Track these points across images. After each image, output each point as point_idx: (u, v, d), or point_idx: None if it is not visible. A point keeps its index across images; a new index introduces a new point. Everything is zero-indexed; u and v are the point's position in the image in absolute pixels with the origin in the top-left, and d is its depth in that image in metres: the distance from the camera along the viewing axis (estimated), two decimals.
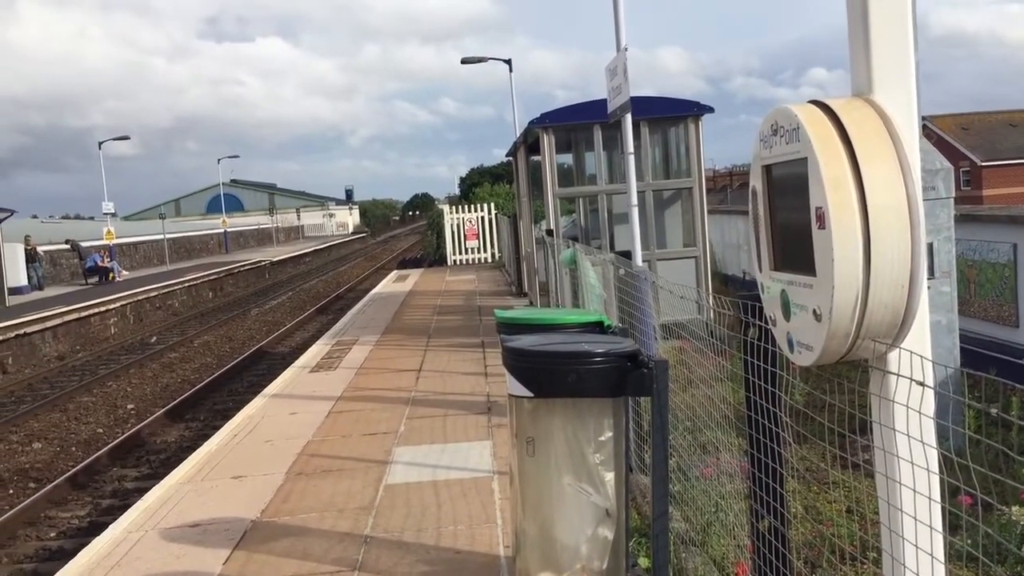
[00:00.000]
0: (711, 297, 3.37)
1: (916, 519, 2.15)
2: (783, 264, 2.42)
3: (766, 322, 2.60)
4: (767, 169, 2.47)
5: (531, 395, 3.39)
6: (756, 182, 2.53)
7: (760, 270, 2.57)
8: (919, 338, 2.22)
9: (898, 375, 2.13)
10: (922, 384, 2.07)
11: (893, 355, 2.21)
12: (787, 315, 2.39)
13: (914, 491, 2.15)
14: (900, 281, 2.09)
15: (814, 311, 2.19)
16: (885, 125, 2.18)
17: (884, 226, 2.07)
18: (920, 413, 2.09)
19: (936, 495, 2.19)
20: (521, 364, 3.40)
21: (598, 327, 4.12)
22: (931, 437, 2.16)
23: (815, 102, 2.29)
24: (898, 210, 2.08)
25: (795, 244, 2.29)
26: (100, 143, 41.28)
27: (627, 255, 6.16)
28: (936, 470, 2.18)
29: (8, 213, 26.09)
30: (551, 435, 3.43)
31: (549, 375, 3.34)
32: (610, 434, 3.46)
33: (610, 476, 3.47)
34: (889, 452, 2.25)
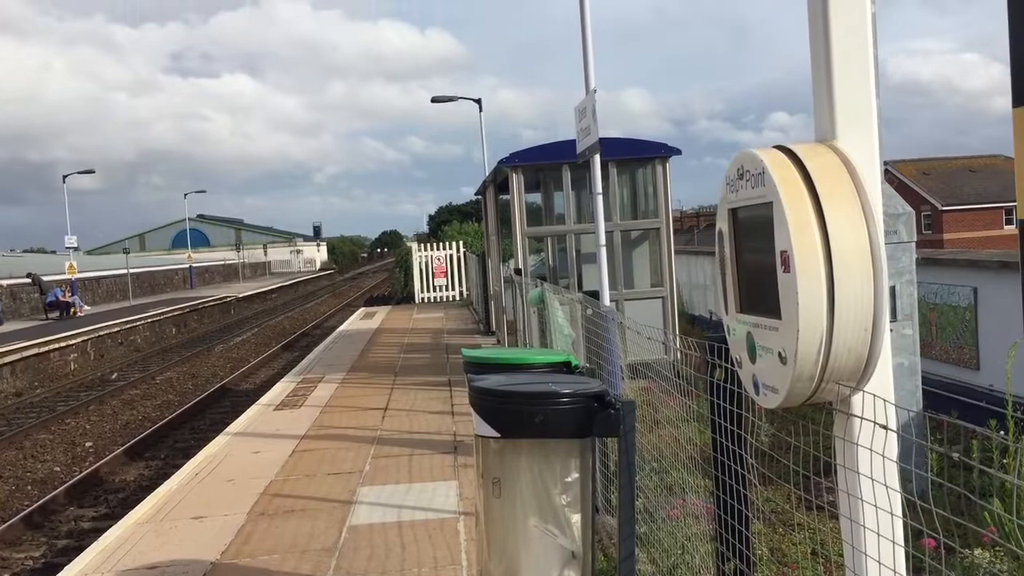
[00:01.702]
0: (678, 338, 3.38)
1: (880, 563, 2.16)
2: (749, 306, 2.44)
3: (732, 364, 2.62)
4: (733, 212, 2.50)
5: (497, 435, 3.36)
6: (723, 224, 2.56)
7: (726, 312, 2.59)
8: (882, 381, 2.24)
9: (862, 418, 2.14)
10: (885, 427, 2.09)
11: (857, 398, 2.23)
12: (753, 357, 2.40)
13: (878, 534, 2.16)
14: (864, 324, 2.11)
15: (779, 354, 2.21)
16: (848, 170, 2.21)
17: (848, 270, 2.10)
18: (884, 456, 2.10)
19: (900, 539, 2.20)
20: (488, 404, 3.38)
21: (566, 367, 4.12)
22: (895, 480, 2.17)
23: (780, 147, 2.33)
24: (861, 254, 2.11)
25: (761, 287, 2.31)
26: (64, 176, 40.83)
27: (595, 295, 6.17)
28: (900, 513, 2.18)
29: None
30: (517, 476, 3.41)
31: (516, 415, 3.32)
32: (577, 475, 3.44)
33: (576, 518, 3.44)
34: (853, 495, 2.26)
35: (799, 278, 2.09)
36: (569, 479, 3.44)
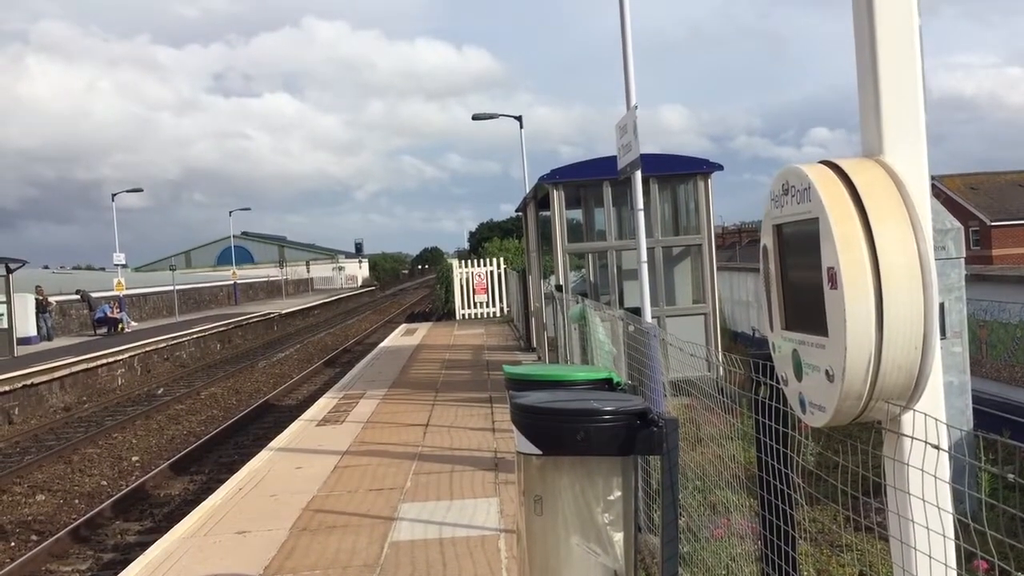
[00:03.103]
0: (721, 355, 3.34)
1: None
2: (794, 323, 2.40)
3: (778, 382, 2.58)
4: (778, 228, 2.47)
5: (539, 452, 3.35)
6: (767, 240, 2.53)
7: (771, 329, 2.55)
8: (933, 400, 2.19)
9: (913, 438, 2.10)
10: (937, 447, 2.04)
11: (907, 417, 2.19)
12: (799, 375, 2.37)
13: (930, 557, 2.11)
14: (914, 342, 2.07)
15: (826, 372, 2.17)
16: (896, 185, 2.18)
17: (896, 286, 2.06)
18: (936, 477, 2.06)
19: (952, 561, 2.15)
20: (529, 421, 3.37)
21: (607, 384, 4.09)
22: (947, 502, 2.12)
23: (826, 162, 2.30)
24: (910, 270, 2.08)
25: (806, 303, 2.28)
26: (113, 195, 41.68)
27: (636, 311, 6.13)
28: (952, 535, 2.13)
29: (20, 263, 26.25)
30: (559, 493, 3.38)
31: (557, 433, 3.30)
32: (619, 493, 3.41)
33: (619, 536, 3.41)
34: (904, 517, 2.21)
35: (847, 295, 2.05)
36: (611, 497, 3.41)
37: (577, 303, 8.55)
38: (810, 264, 2.23)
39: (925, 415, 2.13)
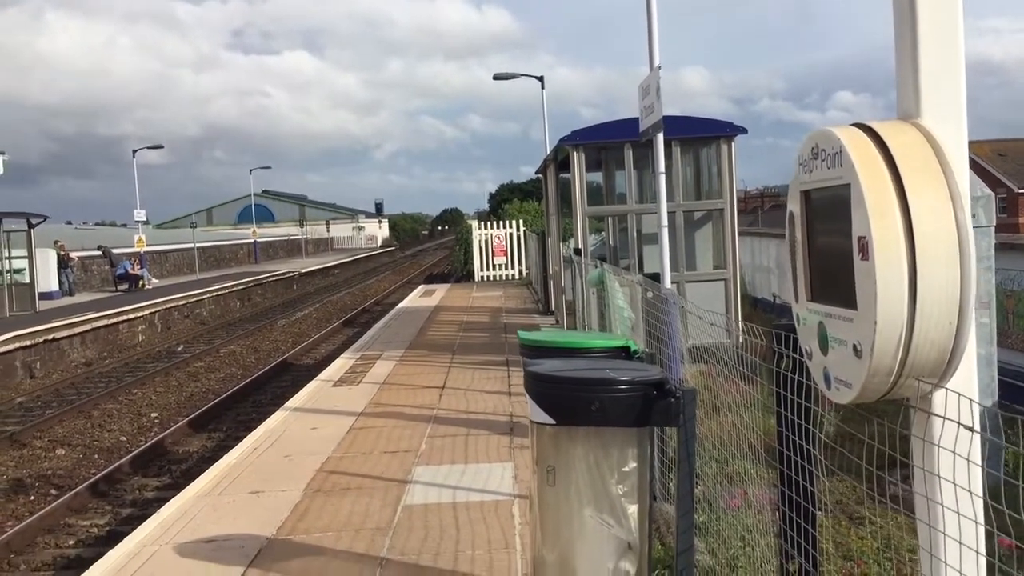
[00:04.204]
0: (742, 325, 3.23)
1: (961, 573, 2.01)
2: (821, 295, 2.29)
3: (801, 355, 2.48)
4: (806, 194, 2.35)
5: (553, 422, 3.27)
6: (794, 207, 2.41)
7: (796, 300, 2.45)
8: (966, 377, 2.09)
9: (945, 418, 1.99)
10: (970, 429, 1.94)
11: (937, 395, 2.08)
12: (824, 349, 2.26)
13: (960, 543, 2.01)
14: (948, 317, 1.96)
15: (854, 346, 2.07)
16: (934, 150, 2.06)
17: (932, 258, 1.95)
18: (968, 460, 1.95)
19: (982, 547, 2.05)
20: (543, 390, 3.29)
21: (625, 352, 4.00)
22: (978, 485, 2.02)
23: (858, 125, 2.17)
24: (947, 240, 1.96)
25: (834, 274, 2.17)
26: (134, 152, 41.69)
27: (656, 277, 6.01)
28: (983, 521, 2.04)
29: (41, 219, 26.36)
30: (572, 464, 3.31)
31: (572, 402, 3.22)
32: (634, 465, 3.33)
33: (633, 508, 3.34)
34: (932, 500, 2.11)
35: (878, 265, 1.94)
36: (626, 468, 3.33)
37: (596, 267, 8.44)
38: (840, 232, 2.12)
39: (959, 395, 2.02)
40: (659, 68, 8.51)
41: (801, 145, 2.32)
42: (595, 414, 3.19)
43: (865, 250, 1.98)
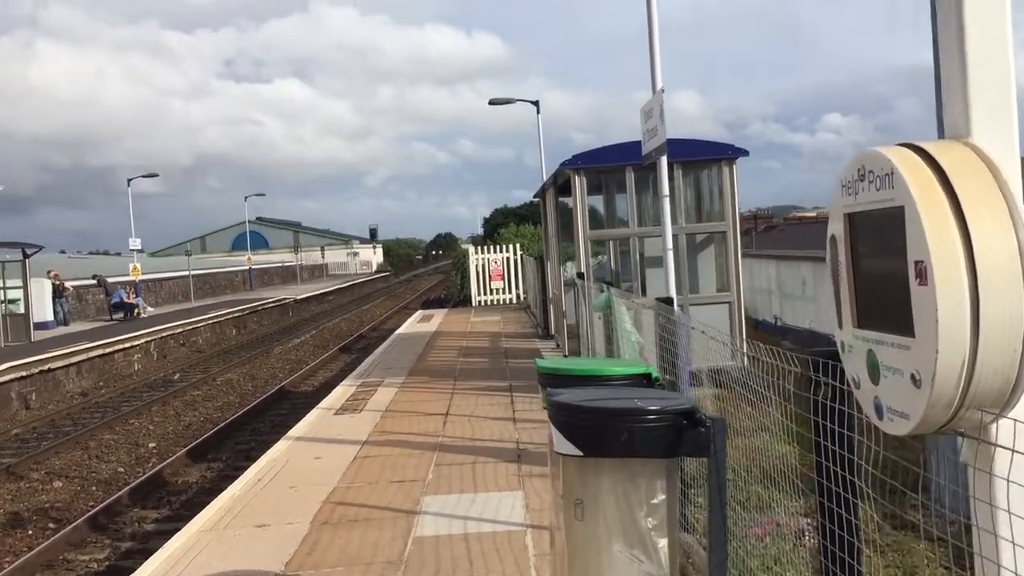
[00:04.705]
0: (775, 352, 3.14)
1: None
2: (870, 321, 2.21)
3: (849, 384, 2.38)
4: (850, 217, 2.27)
5: (579, 453, 3.16)
6: (836, 230, 2.33)
7: (840, 326, 2.36)
8: None
9: (1013, 451, 1.90)
10: None
11: (998, 425, 1.99)
12: (875, 378, 2.17)
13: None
14: (1013, 343, 1.87)
15: (912, 376, 1.98)
16: (989, 169, 1.98)
17: (994, 281, 1.86)
18: None
19: None
20: (569, 420, 3.18)
21: (646, 379, 3.91)
22: None
23: (907, 145, 2.10)
24: (1009, 262, 1.88)
25: (886, 299, 2.09)
26: (129, 180, 41.59)
27: (669, 301, 5.93)
28: None
29: (36, 249, 26.23)
30: (600, 497, 3.20)
31: (600, 433, 3.12)
32: (663, 496, 3.23)
33: (663, 542, 3.23)
34: (990, 533, 2.02)
35: (939, 290, 1.86)
36: (655, 501, 3.23)
37: (602, 291, 8.36)
38: (891, 256, 2.03)
39: (1015, 421, 1.94)
40: (662, 91, 8.48)
41: (845, 167, 2.25)
42: (624, 445, 3.09)
43: (923, 275, 1.90)
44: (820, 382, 2.77)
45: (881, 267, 2.13)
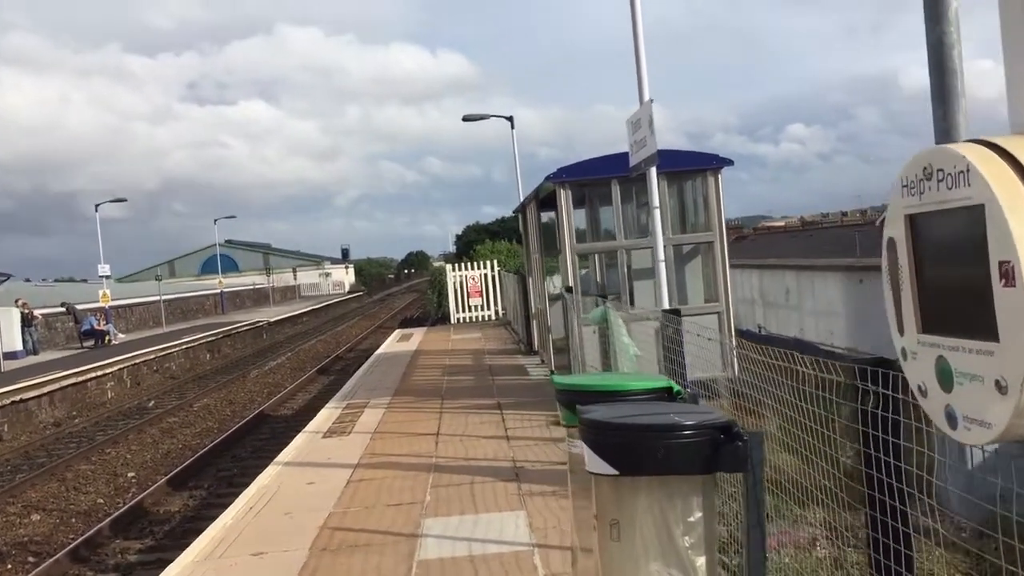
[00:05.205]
0: (820, 363, 3.05)
1: None
2: (939, 326, 2.11)
3: (912, 394, 2.29)
4: (911, 218, 2.18)
5: (615, 472, 3.05)
6: (895, 232, 2.24)
7: (901, 332, 2.27)
8: None
9: None
10: None
11: None
12: (946, 386, 2.08)
13: None
14: None
15: (996, 382, 1.88)
16: None
17: None
18: None
19: None
20: (602, 438, 3.07)
21: (667, 393, 3.80)
22: None
23: (977, 141, 2.02)
24: None
25: (960, 303, 2.00)
26: (96, 206, 41.08)
27: (676, 313, 5.85)
28: None
29: (5, 277, 25.77)
30: (636, 516, 3.09)
31: (635, 450, 3.01)
32: (700, 514, 3.12)
33: (701, 561, 3.11)
34: None
35: None
36: (692, 519, 3.12)
37: (597, 305, 8.26)
38: (966, 258, 1.94)
39: None
40: (651, 101, 8.43)
41: (906, 166, 2.16)
42: (661, 462, 2.98)
43: (1009, 276, 1.81)
44: (868, 391, 2.68)
45: (953, 269, 2.04)
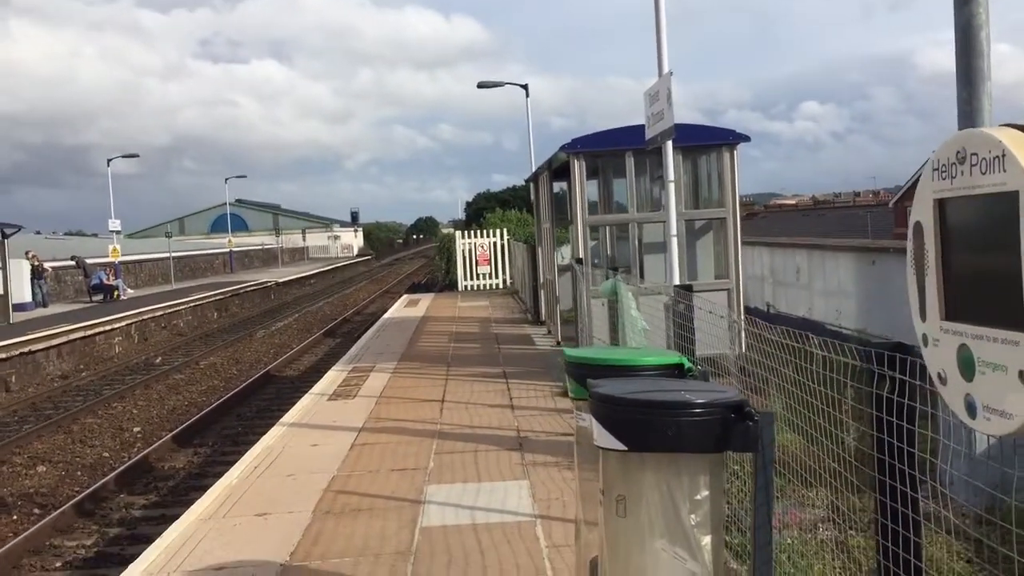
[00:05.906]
0: (844, 346, 3.01)
1: None
2: (964, 313, 2.07)
3: (929, 381, 2.25)
4: (940, 203, 2.14)
5: (623, 448, 3.03)
6: (923, 217, 2.20)
7: (923, 318, 2.23)
8: None
9: None
10: None
11: None
12: (968, 374, 2.05)
13: None
14: None
15: (1020, 373, 1.85)
16: None
17: None
18: None
19: None
20: (612, 413, 3.04)
21: (678, 369, 3.77)
22: None
23: (1013, 125, 1.97)
24: None
25: (988, 291, 1.96)
26: (109, 160, 41.04)
27: (688, 288, 5.81)
28: None
29: (16, 229, 25.79)
30: (643, 493, 3.07)
31: (645, 427, 2.98)
32: (707, 493, 3.10)
33: (707, 539, 3.10)
34: None
35: None
36: (699, 497, 3.10)
37: (608, 278, 8.22)
38: (996, 245, 1.90)
39: None
40: (670, 74, 8.32)
41: (939, 150, 2.11)
42: (671, 439, 2.96)
43: None
44: (884, 376, 2.64)
45: (981, 256, 1.99)
